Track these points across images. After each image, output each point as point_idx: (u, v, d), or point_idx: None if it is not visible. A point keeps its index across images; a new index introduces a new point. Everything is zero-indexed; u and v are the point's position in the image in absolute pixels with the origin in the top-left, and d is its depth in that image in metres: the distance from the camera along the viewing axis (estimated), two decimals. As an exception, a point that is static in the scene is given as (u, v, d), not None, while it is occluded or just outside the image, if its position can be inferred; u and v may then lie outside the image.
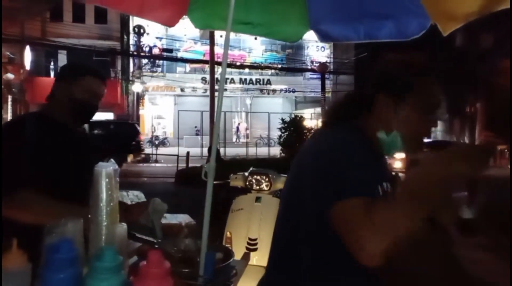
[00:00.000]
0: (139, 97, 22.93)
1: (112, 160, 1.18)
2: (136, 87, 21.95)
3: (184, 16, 2.08)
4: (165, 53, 23.74)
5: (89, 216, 1.12)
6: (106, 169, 1.14)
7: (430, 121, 1.28)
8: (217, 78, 13.77)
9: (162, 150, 20.58)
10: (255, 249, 2.11)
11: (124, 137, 15.71)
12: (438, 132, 23.98)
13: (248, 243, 2.14)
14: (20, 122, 1.77)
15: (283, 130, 13.98)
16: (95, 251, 1.02)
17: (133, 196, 3.55)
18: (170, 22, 2.03)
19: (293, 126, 13.80)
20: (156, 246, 1.57)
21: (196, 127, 23.95)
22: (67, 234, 1.09)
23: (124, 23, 21.78)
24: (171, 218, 3.34)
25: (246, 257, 1.63)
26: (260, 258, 2.10)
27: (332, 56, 25.67)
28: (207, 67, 19.97)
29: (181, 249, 1.56)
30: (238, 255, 1.70)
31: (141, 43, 22.23)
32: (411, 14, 1.89)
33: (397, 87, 1.24)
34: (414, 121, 1.24)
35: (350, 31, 2.06)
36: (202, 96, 24.22)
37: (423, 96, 1.24)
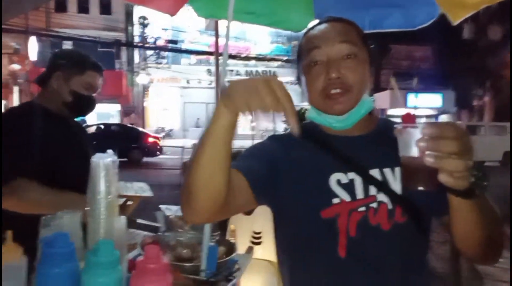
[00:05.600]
0: (144, 89, 22.89)
1: (110, 151, 1.14)
2: (141, 79, 21.92)
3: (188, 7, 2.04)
4: (170, 45, 23.65)
5: (87, 208, 1.09)
6: (104, 160, 1.10)
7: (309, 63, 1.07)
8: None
9: (167, 141, 20.62)
10: (259, 243, 2.08)
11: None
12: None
13: (253, 237, 2.11)
14: (15, 112, 1.73)
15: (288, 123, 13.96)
16: (92, 245, 0.99)
17: (138, 188, 3.53)
18: (171, 11, 1.98)
19: (298, 118, 13.77)
20: (159, 238, 1.55)
21: (198, 119, 23.95)
22: (64, 227, 1.06)
23: (129, 14, 21.69)
24: (175, 211, 3.32)
25: (249, 251, 1.60)
26: (264, 252, 2.07)
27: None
28: (212, 58, 19.87)
29: (184, 242, 1.54)
30: (242, 249, 1.67)
31: (146, 34, 22.14)
32: (419, 3, 1.84)
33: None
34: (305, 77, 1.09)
35: (355, 20, 2.01)
36: (208, 88, 24.17)
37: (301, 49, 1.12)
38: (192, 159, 0.88)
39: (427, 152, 0.73)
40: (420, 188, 0.79)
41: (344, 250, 1.04)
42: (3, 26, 12.28)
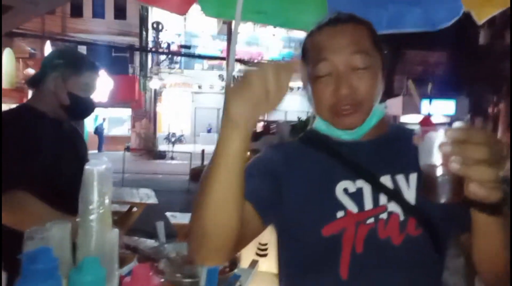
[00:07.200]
0: (157, 94, 22.96)
1: (104, 157, 1.06)
2: (154, 84, 21.99)
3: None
4: (183, 50, 23.70)
5: (77, 219, 1.00)
6: (98, 167, 1.02)
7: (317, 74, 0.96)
8: (234, 75, 13.66)
9: (178, 147, 20.62)
10: (265, 255, 1.98)
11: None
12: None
13: (259, 248, 2.02)
14: (9, 117, 1.62)
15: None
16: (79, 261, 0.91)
17: (143, 194, 3.46)
18: (180, 10, 1.92)
19: (301, 126, 13.64)
20: (157, 250, 1.46)
21: (209, 124, 24.04)
22: (52, 240, 0.98)
23: (143, 19, 21.82)
24: (181, 218, 3.23)
25: (253, 265, 1.51)
26: (270, 265, 1.97)
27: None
28: (224, 63, 19.88)
29: (184, 254, 1.44)
30: (247, 261, 1.58)
31: (159, 40, 22.24)
32: (440, 1, 1.72)
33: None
34: (311, 86, 0.98)
35: (372, 20, 1.92)
36: (219, 93, 24.17)
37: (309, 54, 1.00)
38: (201, 196, 0.79)
39: (452, 158, 0.63)
40: (443, 200, 0.67)
41: (347, 270, 0.93)
42: (19, 31, 12.39)
